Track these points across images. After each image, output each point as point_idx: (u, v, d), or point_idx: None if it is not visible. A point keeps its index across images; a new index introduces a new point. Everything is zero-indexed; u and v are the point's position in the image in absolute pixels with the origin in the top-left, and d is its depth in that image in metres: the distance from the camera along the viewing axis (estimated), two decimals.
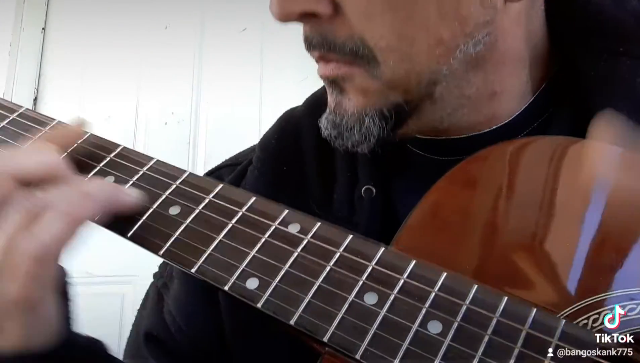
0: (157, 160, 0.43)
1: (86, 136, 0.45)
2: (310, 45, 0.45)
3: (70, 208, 0.37)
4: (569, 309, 0.34)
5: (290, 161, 0.55)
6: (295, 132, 0.57)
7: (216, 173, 0.61)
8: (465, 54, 0.43)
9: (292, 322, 0.33)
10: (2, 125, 0.46)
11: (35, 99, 2.13)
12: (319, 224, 0.37)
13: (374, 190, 0.50)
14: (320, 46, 0.44)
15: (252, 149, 0.60)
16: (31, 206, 0.37)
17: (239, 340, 0.50)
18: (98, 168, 0.43)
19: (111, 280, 1.78)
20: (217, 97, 1.93)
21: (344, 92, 0.46)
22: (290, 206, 0.50)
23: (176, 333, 0.53)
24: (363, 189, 0.50)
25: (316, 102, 0.56)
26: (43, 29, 2.20)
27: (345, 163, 0.53)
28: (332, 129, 0.47)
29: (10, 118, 0.46)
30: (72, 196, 0.38)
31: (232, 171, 0.59)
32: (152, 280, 0.59)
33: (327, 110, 0.48)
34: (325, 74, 0.46)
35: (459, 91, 0.46)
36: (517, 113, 0.48)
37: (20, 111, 0.47)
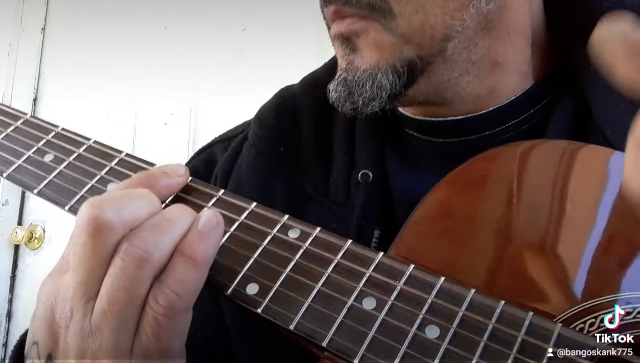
0: (157, 166, 0.43)
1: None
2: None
3: (192, 251, 0.35)
4: (565, 313, 0.34)
5: (288, 141, 0.55)
6: (293, 111, 0.57)
7: (208, 150, 0.61)
8: (478, 10, 0.44)
9: (291, 327, 0.34)
10: (6, 133, 0.47)
11: (35, 99, 2.13)
12: (318, 230, 0.38)
13: (371, 174, 0.50)
14: None
15: (244, 124, 0.60)
16: (151, 255, 0.34)
17: (239, 336, 0.50)
18: (99, 176, 0.43)
19: None
20: (217, 97, 1.93)
21: (357, 50, 0.46)
22: (286, 188, 0.50)
23: None
24: (360, 173, 0.50)
25: (315, 81, 0.57)
26: (43, 29, 2.20)
27: (342, 146, 0.53)
28: (343, 88, 0.47)
29: (14, 126, 0.47)
30: (191, 238, 0.35)
31: (225, 147, 0.59)
32: None
33: (338, 72, 0.48)
34: (340, 31, 0.46)
35: (466, 53, 0.46)
36: (512, 98, 0.49)
37: (24, 119, 0.47)
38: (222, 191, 0.41)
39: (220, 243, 0.38)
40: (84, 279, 0.34)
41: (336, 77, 0.48)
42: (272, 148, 0.55)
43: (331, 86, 0.48)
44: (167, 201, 0.41)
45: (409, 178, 0.51)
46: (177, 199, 0.41)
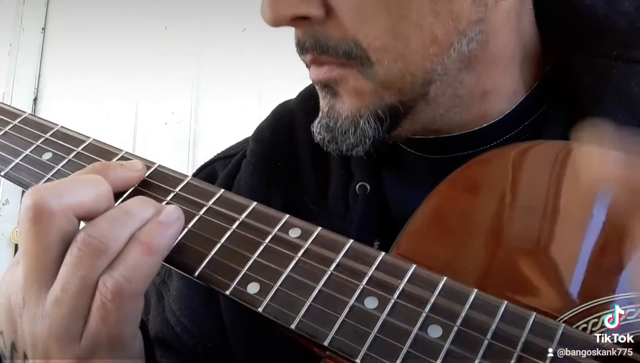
0: (159, 165, 0.43)
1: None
2: (302, 48, 0.45)
3: (148, 238, 0.35)
4: (568, 313, 0.34)
5: (285, 156, 0.55)
6: (290, 126, 0.56)
7: (209, 167, 0.60)
8: (459, 52, 0.43)
9: (292, 327, 0.33)
10: (4, 131, 0.46)
11: (35, 99, 2.13)
12: (319, 229, 0.37)
13: (369, 186, 0.50)
14: (313, 48, 0.44)
15: (244, 141, 0.60)
16: (107, 246, 0.34)
17: (239, 339, 0.50)
18: None
19: None
20: (217, 97, 1.93)
21: (337, 96, 0.46)
22: (285, 202, 0.50)
23: (182, 333, 0.52)
24: (357, 185, 0.50)
25: (310, 96, 0.56)
26: (43, 29, 2.20)
27: (339, 159, 0.52)
28: (326, 134, 0.47)
29: (13, 124, 0.46)
30: (149, 227, 0.36)
31: (225, 164, 0.58)
32: None
33: (320, 114, 0.48)
34: (318, 78, 0.46)
35: (452, 91, 0.45)
36: (507, 111, 0.48)
37: (23, 117, 0.47)
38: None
39: (219, 242, 0.37)
40: (31, 267, 0.35)
41: (318, 120, 0.48)
42: (269, 163, 0.55)
43: (315, 129, 0.48)
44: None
45: (405, 192, 0.50)
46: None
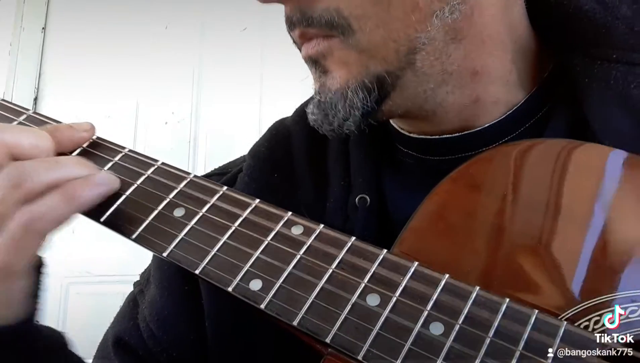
0: (162, 162, 0.43)
1: (90, 140, 0.45)
2: (291, 24, 0.47)
3: (72, 189, 0.38)
4: (570, 311, 0.34)
5: (281, 168, 0.55)
6: (286, 140, 0.57)
7: None
8: (442, 20, 0.44)
9: (295, 323, 0.33)
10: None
11: (35, 99, 2.13)
12: (321, 226, 0.37)
13: (369, 199, 0.50)
14: (299, 22, 0.46)
15: (242, 160, 0.60)
16: (24, 181, 0.38)
17: (222, 344, 0.50)
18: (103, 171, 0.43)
19: (111, 280, 1.78)
20: (217, 97, 1.93)
21: (327, 72, 0.47)
22: None
23: (148, 340, 0.52)
24: (357, 198, 0.50)
25: (305, 110, 0.57)
26: (43, 28, 2.21)
27: (338, 170, 0.53)
28: (318, 112, 0.48)
29: (17, 122, 0.47)
30: (78, 181, 0.39)
31: (219, 179, 0.58)
32: None
33: (314, 95, 0.49)
34: (308, 54, 0.47)
35: (439, 64, 0.46)
36: (507, 113, 0.49)
37: (27, 115, 0.47)
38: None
39: (222, 239, 0.38)
40: None
41: (312, 100, 0.49)
42: (265, 174, 0.55)
43: (308, 109, 0.49)
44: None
45: (406, 200, 0.49)
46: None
